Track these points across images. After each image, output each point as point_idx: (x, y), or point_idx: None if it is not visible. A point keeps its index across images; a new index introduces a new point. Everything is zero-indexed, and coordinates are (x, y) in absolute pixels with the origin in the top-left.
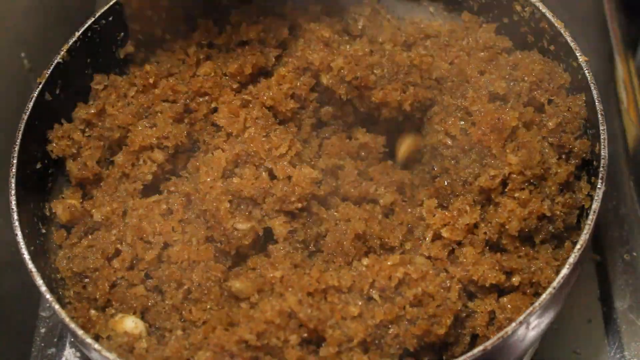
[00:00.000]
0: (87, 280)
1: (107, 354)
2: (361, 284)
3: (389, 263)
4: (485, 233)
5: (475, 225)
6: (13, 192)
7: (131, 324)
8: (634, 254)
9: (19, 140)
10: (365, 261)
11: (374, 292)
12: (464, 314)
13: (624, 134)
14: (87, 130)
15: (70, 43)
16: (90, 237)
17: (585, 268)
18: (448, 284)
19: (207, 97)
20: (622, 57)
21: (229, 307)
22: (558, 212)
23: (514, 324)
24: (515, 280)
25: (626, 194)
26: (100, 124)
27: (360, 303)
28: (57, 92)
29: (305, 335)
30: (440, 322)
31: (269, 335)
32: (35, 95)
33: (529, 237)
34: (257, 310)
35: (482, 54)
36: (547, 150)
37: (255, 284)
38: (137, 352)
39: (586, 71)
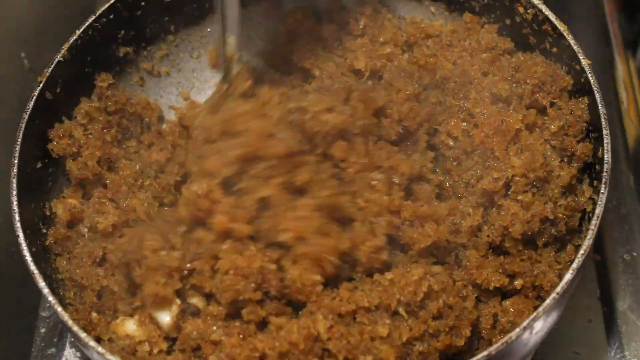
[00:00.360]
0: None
1: (110, 357)
2: (388, 301)
3: (414, 278)
4: (488, 236)
5: (479, 228)
6: (15, 192)
7: (132, 326)
8: (634, 254)
9: (19, 140)
10: (388, 275)
11: (400, 307)
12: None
13: (624, 134)
14: (88, 126)
15: (70, 41)
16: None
17: (586, 268)
18: (465, 293)
19: None
20: (622, 57)
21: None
22: (560, 215)
23: (517, 330)
24: (518, 283)
25: (626, 194)
26: (101, 118)
27: (387, 322)
28: (58, 90)
29: None
30: (459, 334)
31: (290, 356)
32: (36, 94)
33: (531, 240)
34: (283, 329)
35: (485, 55)
36: (549, 153)
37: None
38: (140, 355)
39: (589, 74)
